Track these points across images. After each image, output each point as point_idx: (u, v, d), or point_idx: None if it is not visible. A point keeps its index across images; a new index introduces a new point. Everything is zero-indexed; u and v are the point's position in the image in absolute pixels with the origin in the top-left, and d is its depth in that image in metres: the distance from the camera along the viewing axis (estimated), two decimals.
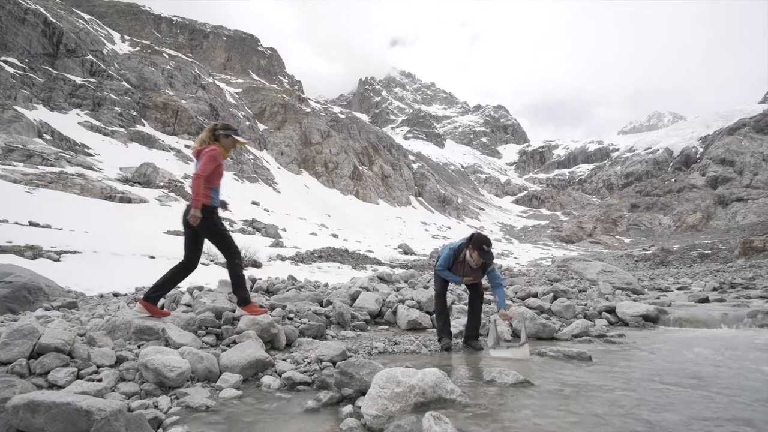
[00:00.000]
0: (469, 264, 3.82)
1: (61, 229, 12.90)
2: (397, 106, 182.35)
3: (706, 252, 30.49)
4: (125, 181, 27.35)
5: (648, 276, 18.01)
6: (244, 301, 3.68)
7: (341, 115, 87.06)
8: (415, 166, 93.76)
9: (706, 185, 69.22)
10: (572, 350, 3.44)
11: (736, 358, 3.34)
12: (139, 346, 3.01)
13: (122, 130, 40.79)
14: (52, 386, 2.31)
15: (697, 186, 69.81)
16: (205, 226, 3.50)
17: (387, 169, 78.99)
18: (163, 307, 4.69)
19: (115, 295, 7.70)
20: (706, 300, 6.99)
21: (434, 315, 4.32)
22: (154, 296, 3.53)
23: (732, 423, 1.92)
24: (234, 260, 3.65)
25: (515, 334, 4.49)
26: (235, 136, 3.75)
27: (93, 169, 27.15)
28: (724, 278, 12.48)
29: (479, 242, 3.71)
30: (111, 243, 11.97)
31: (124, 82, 47.67)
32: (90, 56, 45.65)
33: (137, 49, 59.37)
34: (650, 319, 5.27)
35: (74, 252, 10.27)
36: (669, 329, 5.07)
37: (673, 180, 76.08)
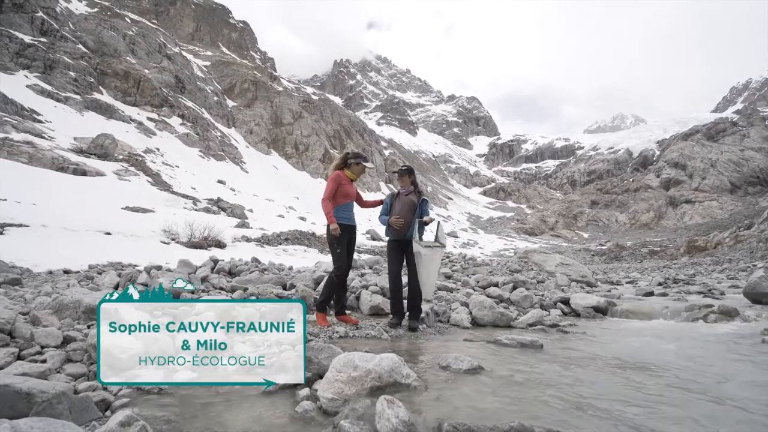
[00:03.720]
0: (402, 195, 4.25)
1: (5, 200, 12.04)
2: (371, 91, 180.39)
3: (656, 249, 32.48)
4: (80, 152, 25.73)
5: (602, 270, 19.01)
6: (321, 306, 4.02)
7: (314, 97, 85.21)
8: (386, 152, 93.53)
9: (659, 186, 73.32)
10: (526, 338, 3.60)
11: (670, 347, 3.61)
12: (88, 327, 2.89)
13: (77, 97, 38.06)
14: None
15: (651, 187, 73.82)
16: (328, 238, 4.08)
17: None
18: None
19: (66, 272, 7.30)
20: (651, 294, 7.47)
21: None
22: (341, 309, 4.20)
23: (663, 402, 2.08)
24: (332, 273, 4.05)
25: (474, 322, 4.66)
26: (364, 163, 4.31)
27: (43, 137, 25.33)
28: (669, 274, 13.37)
29: (398, 170, 4.36)
30: (62, 217, 11.30)
31: (80, 45, 44.32)
32: (41, 13, 42.01)
33: (95, 10, 55.22)
34: (600, 311, 5.58)
35: (20, 225, 9.62)
36: (616, 320, 5.40)
37: (630, 180, 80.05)
